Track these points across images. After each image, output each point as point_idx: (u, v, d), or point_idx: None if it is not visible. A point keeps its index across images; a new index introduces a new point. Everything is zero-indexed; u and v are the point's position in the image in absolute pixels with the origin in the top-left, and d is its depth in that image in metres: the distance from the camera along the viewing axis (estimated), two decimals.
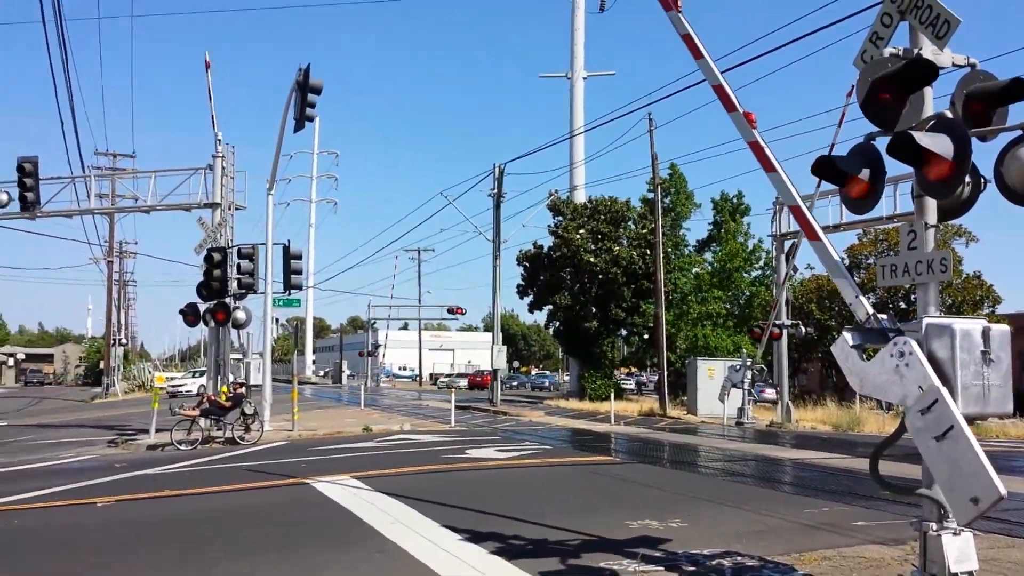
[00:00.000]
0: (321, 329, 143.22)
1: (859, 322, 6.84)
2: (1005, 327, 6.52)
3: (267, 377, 26.04)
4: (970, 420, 6.58)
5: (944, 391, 5.93)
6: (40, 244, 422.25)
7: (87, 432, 27.47)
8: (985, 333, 6.34)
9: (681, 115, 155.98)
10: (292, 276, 25.16)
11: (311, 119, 22.01)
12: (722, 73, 7.98)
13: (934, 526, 6.50)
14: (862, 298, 6.90)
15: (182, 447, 20.52)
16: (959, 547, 6.44)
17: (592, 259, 47.30)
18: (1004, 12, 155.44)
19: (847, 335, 6.65)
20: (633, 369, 74.29)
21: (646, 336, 50.47)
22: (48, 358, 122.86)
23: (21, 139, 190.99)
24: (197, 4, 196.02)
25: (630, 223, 49.82)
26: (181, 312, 25.21)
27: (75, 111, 47.37)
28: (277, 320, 48.50)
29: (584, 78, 59.55)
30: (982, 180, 7.06)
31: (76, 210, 26.97)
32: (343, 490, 13.18)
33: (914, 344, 6.26)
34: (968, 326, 6.30)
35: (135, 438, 22.98)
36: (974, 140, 6.72)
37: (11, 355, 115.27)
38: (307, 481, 14.31)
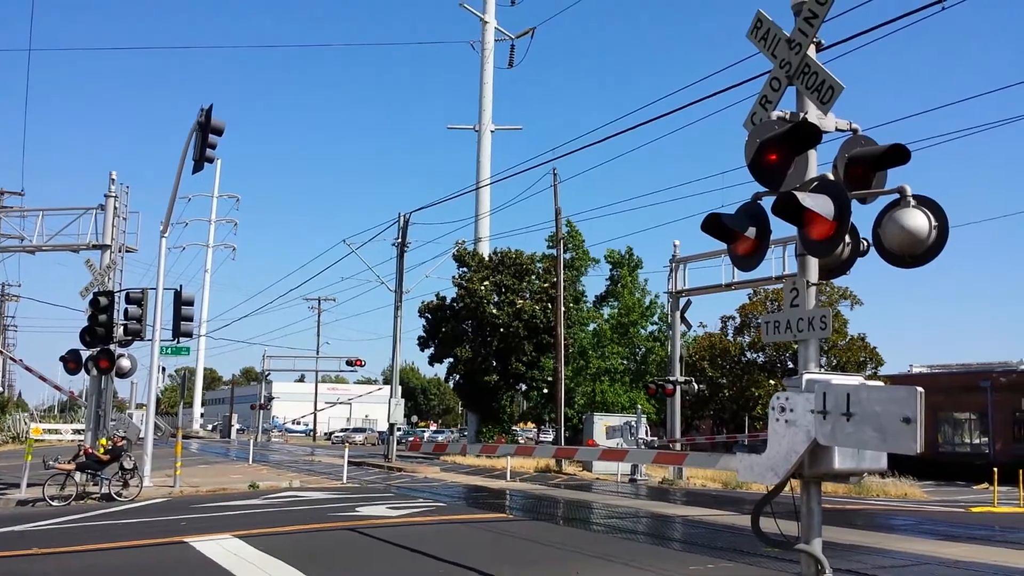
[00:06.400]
0: (212, 380, 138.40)
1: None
2: (881, 385, 6.69)
3: (149, 430, 24.82)
4: (846, 475, 6.71)
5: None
6: None
7: None
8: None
9: (583, 171, 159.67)
10: (182, 323, 24.23)
11: (211, 160, 21.45)
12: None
13: None
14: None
15: (54, 503, 19.32)
16: None
17: (495, 311, 47.35)
18: (887, 80, 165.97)
19: (739, 461, 7.12)
20: (530, 424, 74.27)
21: (545, 391, 50.58)
22: None
23: None
24: (99, 39, 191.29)
25: (533, 277, 50.18)
26: (62, 359, 23.94)
27: None
28: (164, 369, 46.60)
29: (492, 131, 60.37)
30: (862, 242, 7.33)
31: None
32: (223, 550, 12.49)
33: (791, 392, 6.47)
34: (846, 382, 6.44)
35: (4, 493, 21.52)
36: (855, 203, 6.99)
37: None
38: (186, 540, 13.53)
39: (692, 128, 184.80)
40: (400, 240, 41.19)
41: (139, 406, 32.50)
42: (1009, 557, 13.93)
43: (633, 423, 31.76)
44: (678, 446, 32.66)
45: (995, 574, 12.10)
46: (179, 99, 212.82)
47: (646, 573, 10.91)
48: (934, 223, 6.65)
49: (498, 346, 48.60)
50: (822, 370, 6.95)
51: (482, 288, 47.80)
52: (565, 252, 50.10)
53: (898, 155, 6.90)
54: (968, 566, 12.77)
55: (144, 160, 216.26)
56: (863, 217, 7.16)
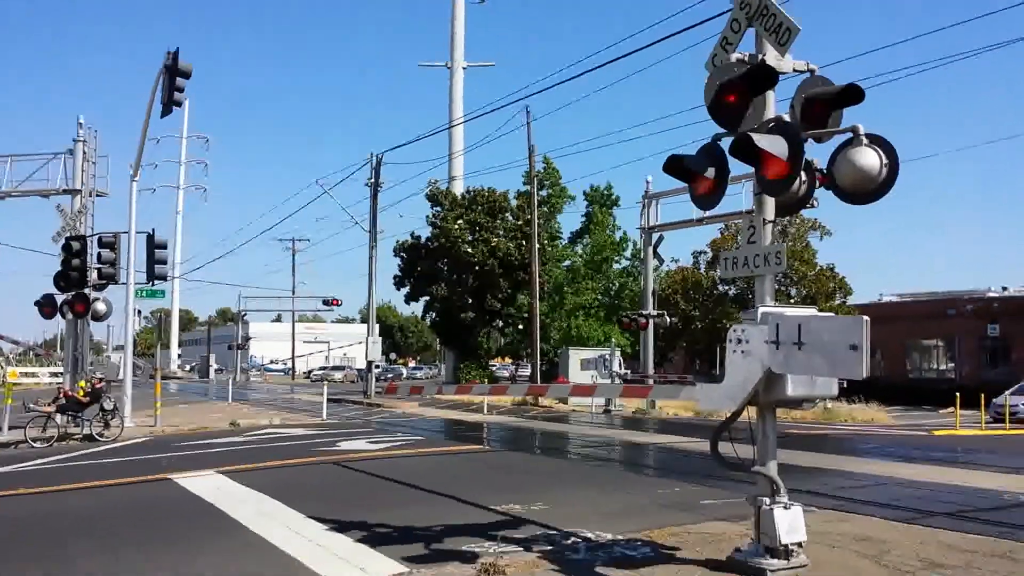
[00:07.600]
0: (188, 322, 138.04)
1: None
2: (831, 316, 7.09)
3: (128, 371, 25.07)
4: (799, 401, 7.15)
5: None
6: None
7: None
8: None
9: (557, 108, 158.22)
10: (156, 266, 24.30)
11: (179, 104, 21.33)
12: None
13: (767, 501, 7.00)
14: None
15: (36, 444, 19.57)
16: (789, 520, 6.96)
17: (470, 250, 47.58)
18: (845, 20, 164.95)
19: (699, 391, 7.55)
20: (508, 359, 75.14)
21: (521, 327, 51.18)
22: None
23: None
24: None
25: (507, 215, 50.33)
26: (37, 304, 24.00)
27: None
28: (140, 312, 46.58)
29: (464, 68, 59.74)
30: (817, 179, 7.61)
31: None
32: (208, 485, 12.90)
33: (747, 324, 6.82)
34: (798, 313, 6.82)
35: None
36: (813, 142, 7.26)
37: None
38: (170, 477, 13.91)
39: (668, 62, 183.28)
40: (373, 180, 41.08)
41: (117, 348, 32.69)
42: (962, 476, 14.70)
43: (607, 356, 32.38)
44: (651, 381, 33.35)
45: (949, 492, 12.79)
46: (147, 41, 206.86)
47: (617, 497, 11.47)
48: (885, 161, 6.87)
49: (473, 284, 48.95)
50: (776, 304, 7.32)
51: (455, 227, 47.93)
52: (542, 189, 50.13)
53: (852, 95, 7.13)
54: (923, 485, 13.48)
55: (112, 103, 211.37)
56: (825, 154, 7.41)
